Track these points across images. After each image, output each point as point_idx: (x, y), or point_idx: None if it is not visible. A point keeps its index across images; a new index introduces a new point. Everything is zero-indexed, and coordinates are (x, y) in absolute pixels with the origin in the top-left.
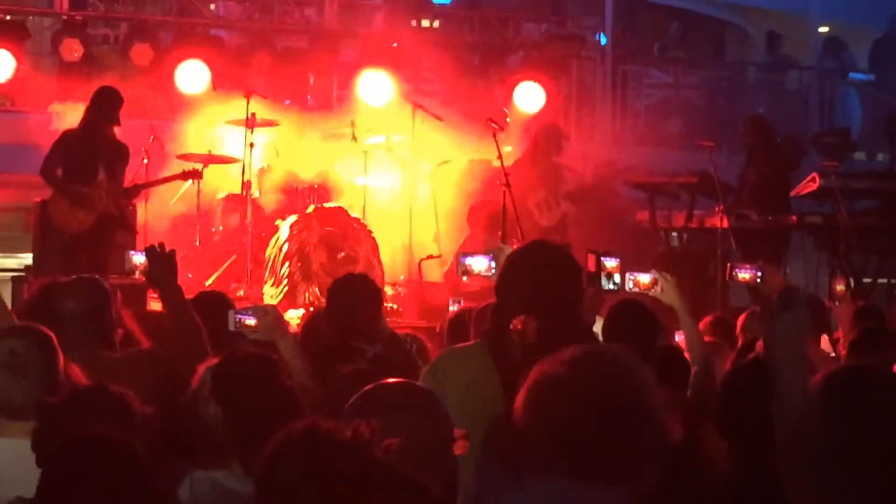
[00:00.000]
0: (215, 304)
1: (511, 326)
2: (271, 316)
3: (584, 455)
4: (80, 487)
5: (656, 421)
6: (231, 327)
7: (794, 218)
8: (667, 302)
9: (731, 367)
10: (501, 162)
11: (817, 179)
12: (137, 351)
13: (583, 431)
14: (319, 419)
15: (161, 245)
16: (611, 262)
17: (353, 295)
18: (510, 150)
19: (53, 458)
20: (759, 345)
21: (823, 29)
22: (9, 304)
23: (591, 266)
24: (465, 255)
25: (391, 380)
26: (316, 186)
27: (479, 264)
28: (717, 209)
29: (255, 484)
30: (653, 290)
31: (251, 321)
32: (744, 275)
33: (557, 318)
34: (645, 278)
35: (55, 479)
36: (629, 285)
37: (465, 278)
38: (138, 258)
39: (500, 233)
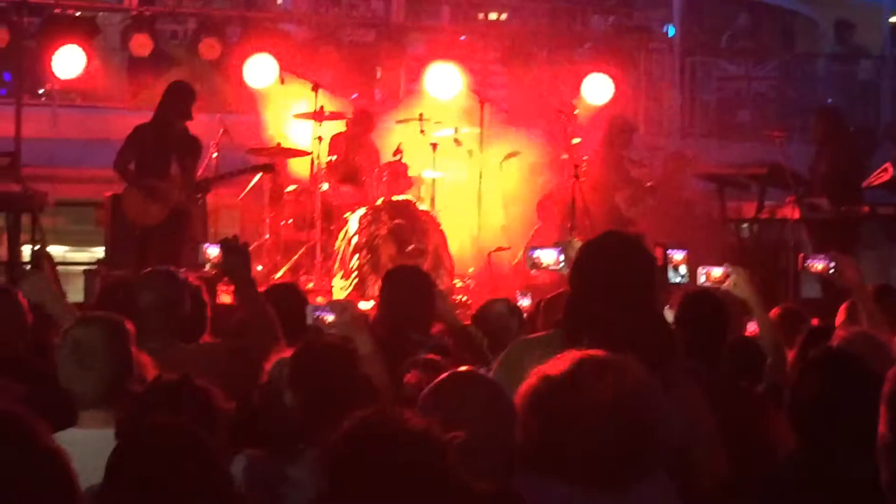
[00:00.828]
0: (288, 296)
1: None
2: (349, 312)
3: (587, 464)
4: (145, 474)
5: (662, 429)
6: (309, 321)
7: (867, 208)
8: (739, 295)
9: (801, 357)
10: (570, 154)
11: (889, 170)
12: (212, 343)
13: (588, 442)
14: (389, 407)
15: (235, 237)
16: (678, 255)
17: (406, 287)
18: (578, 142)
19: (123, 445)
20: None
21: (894, 19)
22: (81, 297)
23: (659, 259)
24: (534, 248)
25: (462, 369)
26: (384, 179)
27: (548, 257)
28: (787, 200)
29: (324, 470)
30: (725, 283)
31: (329, 317)
32: (817, 265)
33: (632, 308)
34: (717, 272)
35: (122, 464)
36: (701, 279)
37: (533, 271)
38: (212, 251)
39: (569, 225)
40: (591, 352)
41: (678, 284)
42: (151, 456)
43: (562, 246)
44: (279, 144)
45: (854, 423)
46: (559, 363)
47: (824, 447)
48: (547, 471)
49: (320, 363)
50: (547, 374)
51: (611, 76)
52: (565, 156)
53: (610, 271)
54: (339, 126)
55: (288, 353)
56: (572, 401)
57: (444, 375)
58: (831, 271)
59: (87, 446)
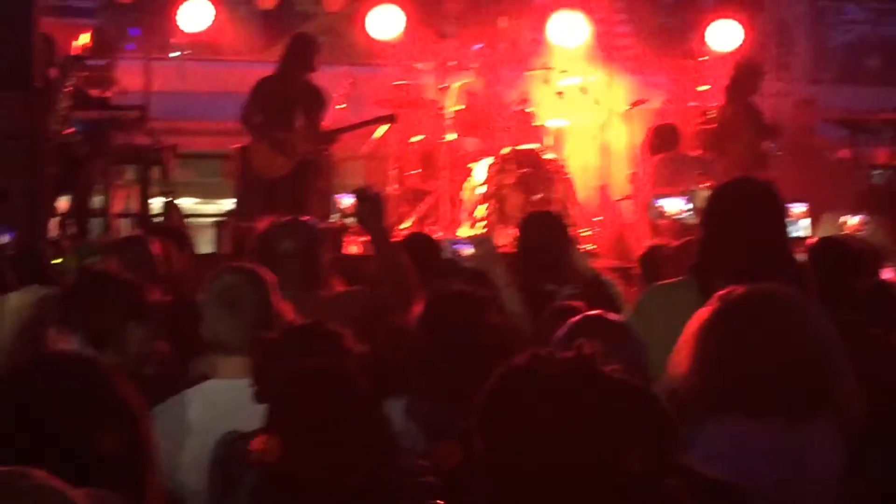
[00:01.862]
0: (422, 245)
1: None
2: (487, 246)
3: (762, 395)
4: (308, 417)
5: (836, 362)
6: (447, 255)
7: None
8: (876, 243)
9: None
10: (698, 101)
11: None
12: (349, 291)
13: (762, 372)
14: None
15: (369, 186)
16: (799, 208)
17: (542, 234)
18: (707, 89)
19: (281, 391)
20: None
21: None
22: (211, 249)
23: None
24: (659, 196)
25: (593, 312)
26: (510, 128)
27: (674, 206)
28: None
29: (477, 415)
30: (862, 231)
31: (467, 250)
32: None
33: (765, 252)
34: (854, 220)
35: (283, 410)
36: (830, 230)
37: (658, 220)
38: (346, 200)
39: (697, 173)
40: (762, 285)
41: (799, 238)
42: (308, 400)
43: (688, 195)
44: (405, 95)
45: None
46: (728, 296)
47: None
48: (721, 407)
49: (454, 310)
50: (720, 306)
51: (738, 21)
52: (693, 103)
53: (742, 215)
54: (463, 76)
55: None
56: (748, 330)
57: (575, 318)
58: None
59: (228, 395)
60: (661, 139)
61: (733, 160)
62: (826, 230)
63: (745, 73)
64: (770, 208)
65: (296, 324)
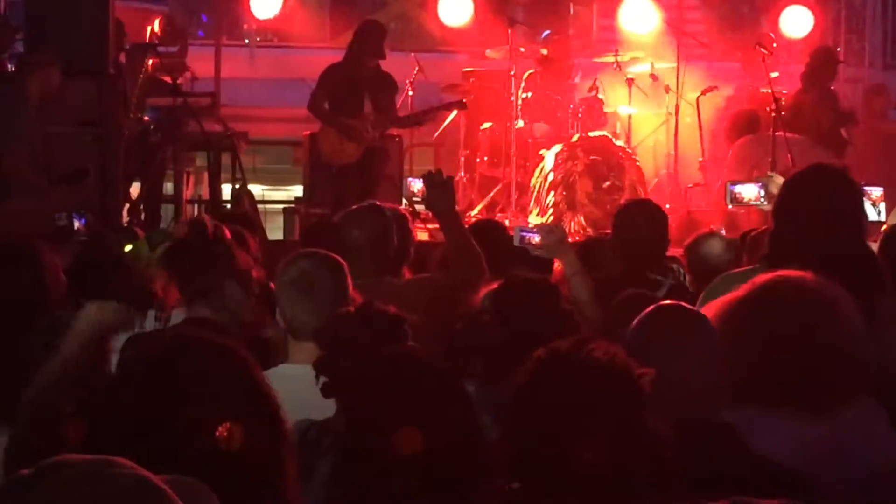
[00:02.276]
0: (492, 231)
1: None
2: (557, 234)
3: (788, 386)
4: (384, 401)
5: (861, 356)
6: (516, 243)
7: None
8: None
9: None
10: (771, 87)
11: None
12: (418, 278)
13: (789, 363)
14: (589, 337)
15: (439, 171)
16: (876, 192)
17: (643, 222)
18: (777, 76)
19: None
20: None
21: None
22: (280, 235)
23: None
24: (734, 183)
25: (666, 302)
26: (580, 115)
27: (749, 192)
28: None
29: (511, 398)
30: None
31: (536, 238)
32: None
33: (840, 241)
34: None
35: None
36: None
37: (732, 206)
38: (416, 184)
39: (769, 160)
40: (786, 272)
41: (876, 223)
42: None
43: (762, 181)
44: (474, 82)
45: None
46: (754, 285)
47: None
48: (748, 398)
49: (525, 296)
50: (742, 296)
51: (809, 8)
52: (765, 89)
53: (817, 204)
54: (533, 63)
55: (494, 285)
56: (764, 321)
57: (649, 308)
58: None
59: (301, 381)
60: (743, 124)
61: (807, 148)
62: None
63: (822, 60)
64: (845, 196)
65: (352, 309)
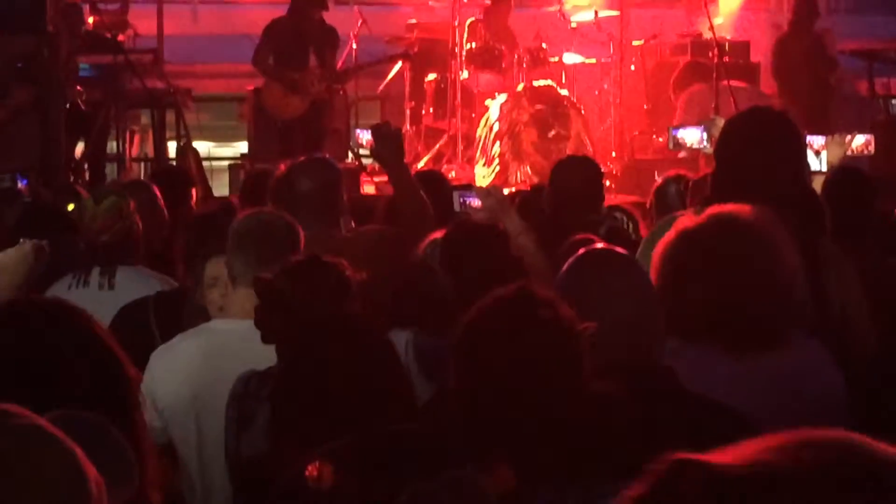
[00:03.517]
0: (435, 183)
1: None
2: (494, 197)
3: (718, 323)
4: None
5: (794, 294)
6: (456, 208)
7: None
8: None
9: None
10: (714, 34)
11: None
12: (366, 229)
13: (716, 298)
14: (531, 285)
15: (387, 123)
16: (818, 141)
17: (577, 176)
18: (721, 23)
19: (293, 341)
20: None
21: None
22: (227, 192)
23: None
24: (677, 128)
25: (598, 246)
26: (524, 65)
27: (692, 136)
28: None
29: (454, 340)
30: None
31: (476, 202)
32: None
33: (781, 184)
34: (859, 139)
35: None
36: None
37: (679, 153)
38: (364, 136)
39: (713, 105)
40: (727, 207)
41: (818, 172)
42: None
43: (705, 125)
44: (418, 33)
45: None
46: (693, 219)
47: None
48: (685, 334)
49: (472, 244)
50: (679, 229)
51: None
52: (708, 35)
53: (756, 145)
54: (477, 13)
55: (439, 234)
56: (701, 255)
57: (579, 253)
58: None
59: (237, 334)
60: (689, 75)
61: (805, 95)
62: (833, 151)
63: (807, 8)
64: (784, 137)
65: (292, 261)
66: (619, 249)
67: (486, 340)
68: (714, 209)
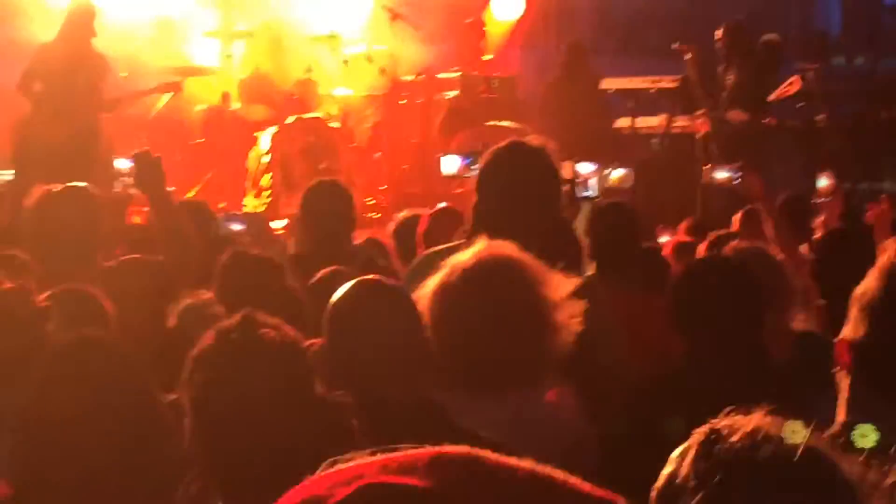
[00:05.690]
0: (199, 212)
1: None
2: (259, 223)
3: (475, 367)
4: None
5: (549, 331)
6: (221, 233)
7: (774, 120)
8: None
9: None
10: (480, 71)
11: (797, 82)
12: (128, 259)
13: (471, 344)
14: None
15: (147, 151)
16: (587, 168)
17: (327, 204)
18: (490, 59)
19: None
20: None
21: None
22: None
23: (569, 174)
24: (443, 156)
25: (367, 277)
26: (295, 97)
27: (453, 165)
28: (697, 114)
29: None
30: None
31: (240, 226)
32: (721, 176)
33: (537, 216)
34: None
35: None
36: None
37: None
38: (124, 164)
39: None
40: (484, 254)
41: (587, 198)
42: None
43: (472, 155)
44: (188, 64)
45: (726, 325)
46: (456, 266)
47: (700, 352)
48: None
49: (247, 278)
50: (444, 275)
51: None
52: (476, 72)
53: (514, 178)
54: (249, 44)
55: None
56: (448, 303)
57: (348, 284)
58: (736, 181)
59: None
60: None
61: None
62: (595, 185)
63: (578, 49)
64: (539, 172)
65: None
66: (385, 280)
67: (214, 367)
68: (472, 256)
